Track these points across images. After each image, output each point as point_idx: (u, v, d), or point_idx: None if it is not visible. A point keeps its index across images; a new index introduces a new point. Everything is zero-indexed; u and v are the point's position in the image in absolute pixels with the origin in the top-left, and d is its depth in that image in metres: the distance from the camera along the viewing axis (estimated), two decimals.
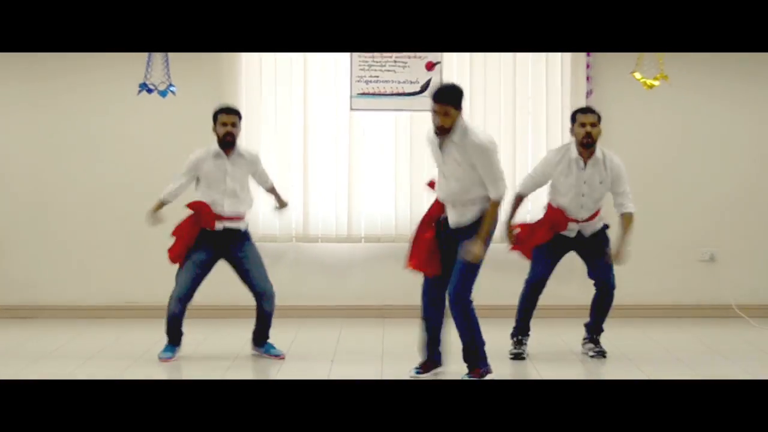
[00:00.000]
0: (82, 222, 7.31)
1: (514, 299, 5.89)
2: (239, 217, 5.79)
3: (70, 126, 7.29)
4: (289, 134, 7.25)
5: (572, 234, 5.76)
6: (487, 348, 5.19)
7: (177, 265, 5.77)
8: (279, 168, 7.19)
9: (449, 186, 5.08)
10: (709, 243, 7.36)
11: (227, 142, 5.70)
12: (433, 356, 5.31)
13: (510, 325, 5.89)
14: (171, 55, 6.18)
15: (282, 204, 6.22)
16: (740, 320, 7.07)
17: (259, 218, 7.19)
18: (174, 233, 5.73)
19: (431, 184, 5.30)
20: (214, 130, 5.73)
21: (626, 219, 5.74)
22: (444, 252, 5.16)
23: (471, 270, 5.04)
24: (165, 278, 5.83)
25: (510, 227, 5.78)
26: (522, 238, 5.77)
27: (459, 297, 5.06)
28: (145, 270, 7.18)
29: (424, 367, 5.30)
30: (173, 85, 6.08)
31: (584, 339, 5.94)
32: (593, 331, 5.90)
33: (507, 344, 5.89)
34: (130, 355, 5.89)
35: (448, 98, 4.96)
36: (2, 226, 7.32)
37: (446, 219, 5.17)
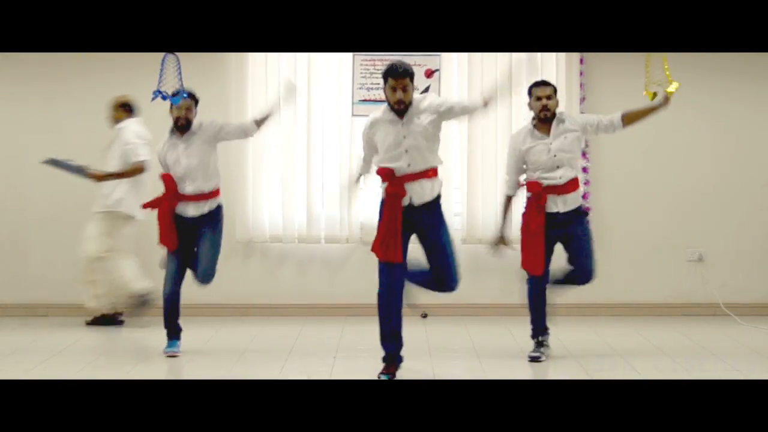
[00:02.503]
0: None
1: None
2: (203, 196, 5.85)
3: (83, 127, 7.39)
4: (294, 139, 7.39)
5: (554, 208, 5.63)
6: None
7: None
8: (283, 171, 7.38)
9: (416, 159, 5.14)
10: (697, 244, 7.50)
11: (180, 126, 5.82)
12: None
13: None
14: (180, 56, 6.31)
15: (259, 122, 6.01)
16: (728, 318, 7.21)
17: (265, 219, 7.38)
18: (149, 204, 5.90)
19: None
20: (171, 112, 5.84)
21: (627, 113, 5.76)
22: (407, 235, 5.20)
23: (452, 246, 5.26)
24: None
25: (501, 234, 5.82)
26: (524, 248, 5.70)
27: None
28: (155, 269, 7.28)
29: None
30: (185, 93, 6.24)
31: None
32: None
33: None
34: (139, 353, 6.00)
35: (410, 72, 5.13)
36: (15, 226, 7.46)
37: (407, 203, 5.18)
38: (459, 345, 6.18)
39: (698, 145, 7.48)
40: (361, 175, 5.56)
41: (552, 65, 7.37)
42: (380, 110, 5.28)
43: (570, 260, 5.79)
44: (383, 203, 5.23)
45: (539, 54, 7.31)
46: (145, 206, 6.01)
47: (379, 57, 7.25)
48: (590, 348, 6.17)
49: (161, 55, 6.13)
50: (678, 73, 7.09)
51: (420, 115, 5.18)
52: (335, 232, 7.43)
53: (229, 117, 7.14)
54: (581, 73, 7.35)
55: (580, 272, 5.75)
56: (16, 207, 7.48)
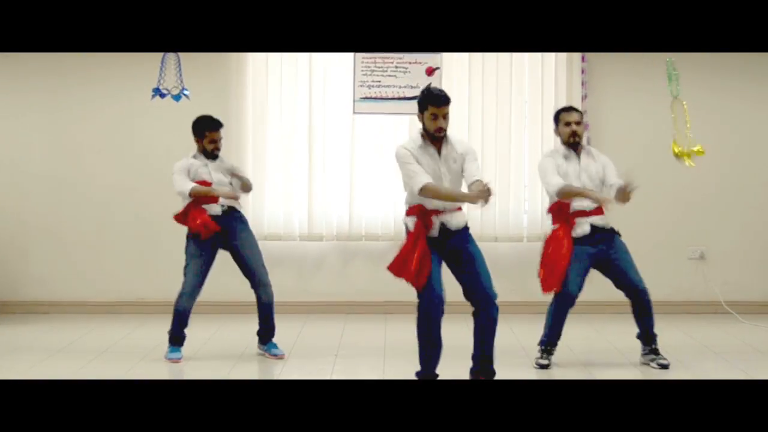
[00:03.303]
0: (95, 220, 7.45)
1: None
2: (233, 197, 5.89)
3: (84, 126, 7.42)
4: (294, 136, 7.42)
5: (587, 229, 5.56)
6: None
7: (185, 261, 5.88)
8: (284, 169, 7.41)
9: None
10: (698, 242, 7.54)
11: (214, 156, 5.87)
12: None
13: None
14: (180, 56, 6.29)
15: (244, 186, 6.02)
16: (729, 316, 7.25)
17: (264, 217, 7.38)
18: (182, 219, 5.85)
19: None
20: (200, 142, 5.85)
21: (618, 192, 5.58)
22: (442, 261, 5.10)
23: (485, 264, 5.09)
24: (176, 275, 5.88)
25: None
26: (548, 268, 5.56)
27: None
28: (156, 267, 7.33)
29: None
30: (186, 89, 6.22)
31: (643, 350, 5.71)
32: (647, 340, 5.69)
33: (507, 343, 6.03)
34: (140, 351, 6.00)
35: (450, 100, 5.02)
36: (18, 224, 7.47)
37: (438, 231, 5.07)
38: (461, 343, 6.17)
39: (699, 143, 7.46)
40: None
41: (552, 63, 7.38)
42: (411, 141, 5.07)
43: (617, 283, 5.69)
44: (411, 232, 5.07)
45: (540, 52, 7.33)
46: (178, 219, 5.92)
47: (381, 54, 7.25)
48: (592, 346, 6.19)
49: (161, 53, 6.15)
50: (680, 72, 7.14)
51: (456, 157, 5.04)
52: (336, 230, 7.43)
53: (229, 117, 7.13)
54: (583, 71, 7.36)
55: (630, 292, 5.64)
56: (17, 205, 7.49)
